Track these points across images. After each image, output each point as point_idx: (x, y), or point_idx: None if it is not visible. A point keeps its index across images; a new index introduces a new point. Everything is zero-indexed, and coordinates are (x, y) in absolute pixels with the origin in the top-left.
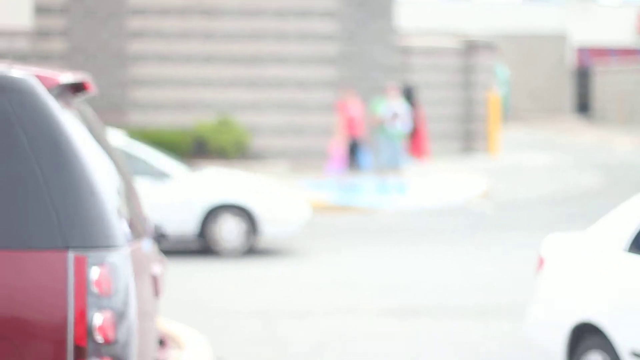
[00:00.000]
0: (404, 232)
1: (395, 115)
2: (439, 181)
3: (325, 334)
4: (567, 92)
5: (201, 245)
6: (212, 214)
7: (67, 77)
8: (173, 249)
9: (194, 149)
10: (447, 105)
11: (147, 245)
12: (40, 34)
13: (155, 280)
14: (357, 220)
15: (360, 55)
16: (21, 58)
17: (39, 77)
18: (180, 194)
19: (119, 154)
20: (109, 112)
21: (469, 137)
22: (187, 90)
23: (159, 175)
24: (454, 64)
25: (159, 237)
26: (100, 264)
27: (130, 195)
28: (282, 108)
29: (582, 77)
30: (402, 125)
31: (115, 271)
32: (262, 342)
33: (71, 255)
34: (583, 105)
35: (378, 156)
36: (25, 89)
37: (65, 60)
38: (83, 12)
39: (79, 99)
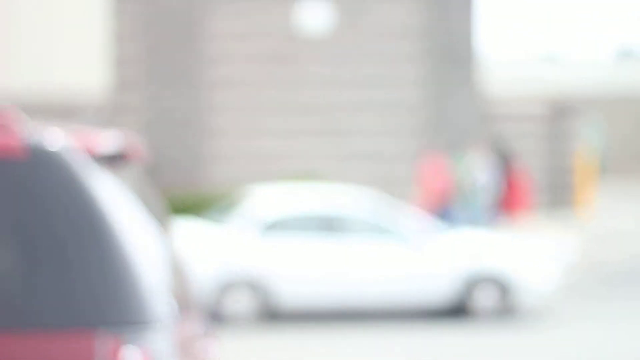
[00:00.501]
0: None
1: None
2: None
3: None
4: None
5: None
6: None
7: (108, 146)
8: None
9: None
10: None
11: (195, 327)
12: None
13: None
14: None
15: (446, 124)
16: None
17: (76, 145)
18: (431, 261)
19: (170, 227)
20: (190, 168)
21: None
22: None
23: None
24: (541, 130)
25: (213, 318)
26: (136, 343)
27: (177, 272)
28: (367, 179)
29: None
30: (483, 185)
31: (155, 352)
32: None
33: (102, 334)
34: None
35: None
36: (56, 161)
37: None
38: (159, 85)
39: (128, 166)
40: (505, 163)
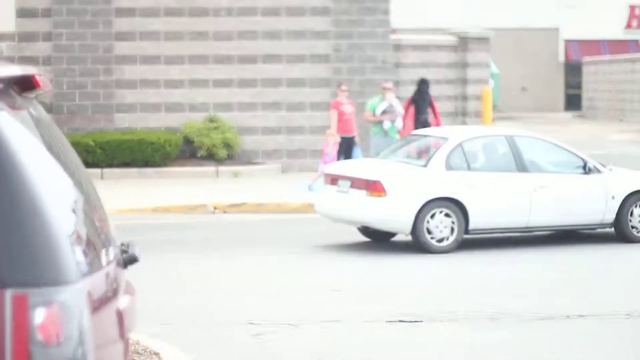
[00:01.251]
0: None
1: (392, 113)
2: None
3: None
4: (558, 87)
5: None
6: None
7: (7, 70)
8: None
9: (181, 150)
10: (440, 102)
11: (113, 274)
12: (24, 37)
13: (120, 317)
14: None
15: (353, 51)
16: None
17: None
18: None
19: (78, 162)
20: (95, 114)
21: None
22: (175, 91)
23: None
24: (447, 60)
25: (129, 261)
26: (46, 304)
27: (92, 213)
28: (273, 107)
29: (572, 71)
30: (398, 123)
31: (66, 312)
32: None
33: (8, 294)
34: (573, 99)
35: (375, 154)
36: None
37: (49, 64)
38: (67, 14)
39: (27, 98)
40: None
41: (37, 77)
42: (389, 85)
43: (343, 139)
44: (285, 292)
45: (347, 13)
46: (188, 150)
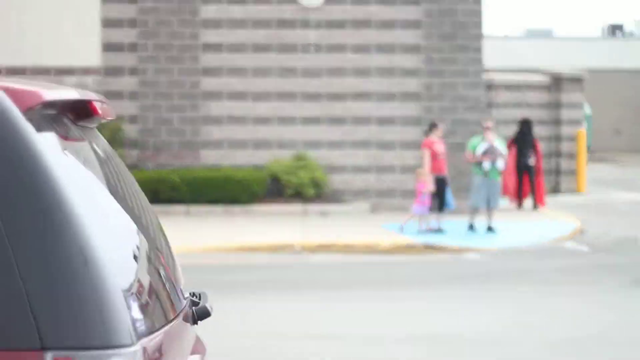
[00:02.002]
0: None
1: (493, 154)
2: (531, 220)
3: None
4: None
5: None
6: None
7: (58, 93)
8: None
9: (268, 187)
10: None
11: (180, 332)
12: (110, 71)
13: None
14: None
15: (445, 90)
16: None
17: (11, 92)
18: None
19: (144, 202)
20: (181, 150)
21: (557, 176)
22: (262, 128)
23: None
24: (539, 100)
25: (200, 315)
26: None
27: (157, 261)
28: (362, 145)
29: None
30: (499, 164)
31: None
32: None
33: (48, 358)
34: None
35: (474, 196)
36: None
37: (136, 99)
38: (153, 49)
39: (86, 128)
40: (532, 144)
41: (95, 103)
42: (490, 124)
43: (436, 179)
44: (378, 338)
45: (439, 51)
46: (275, 189)
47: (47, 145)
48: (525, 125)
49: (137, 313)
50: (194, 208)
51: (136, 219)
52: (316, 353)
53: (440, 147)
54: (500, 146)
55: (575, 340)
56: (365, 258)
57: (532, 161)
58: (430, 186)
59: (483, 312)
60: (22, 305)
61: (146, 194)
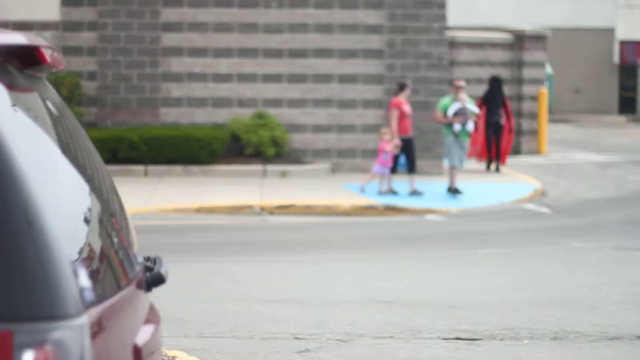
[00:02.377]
0: (463, 236)
1: (464, 116)
2: (493, 181)
3: None
4: (613, 89)
5: None
6: None
7: (2, 37)
8: None
9: (228, 147)
10: None
11: (132, 300)
12: (69, 26)
13: (138, 354)
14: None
15: (408, 47)
16: None
17: None
18: None
19: (97, 160)
20: (140, 108)
21: (518, 136)
22: (223, 86)
23: None
24: (502, 59)
25: (154, 281)
26: (37, 344)
27: (109, 224)
28: (323, 104)
29: (627, 73)
30: (469, 126)
31: (63, 354)
32: None
33: None
34: (628, 102)
35: (450, 157)
36: None
37: (94, 55)
38: (113, 2)
39: (34, 77)
40: (503, 103)
41: (43, 50)
42: (462, 83)
43: (403, 140)
44: (336, 302)
45: (403, 6)
46: (235, 148)
47: None
48: (495, 83)
49: (85, 280)
50: (153, 168)
51: (88, 179)
52: (274, 316)
53: (407, 108)
54: (472, 107)
55: (537, 304)
56: (325, 219)
57: (502, 120)
58: (395, 147)
59: (445, 274)
60: None
61: (104, 153)
